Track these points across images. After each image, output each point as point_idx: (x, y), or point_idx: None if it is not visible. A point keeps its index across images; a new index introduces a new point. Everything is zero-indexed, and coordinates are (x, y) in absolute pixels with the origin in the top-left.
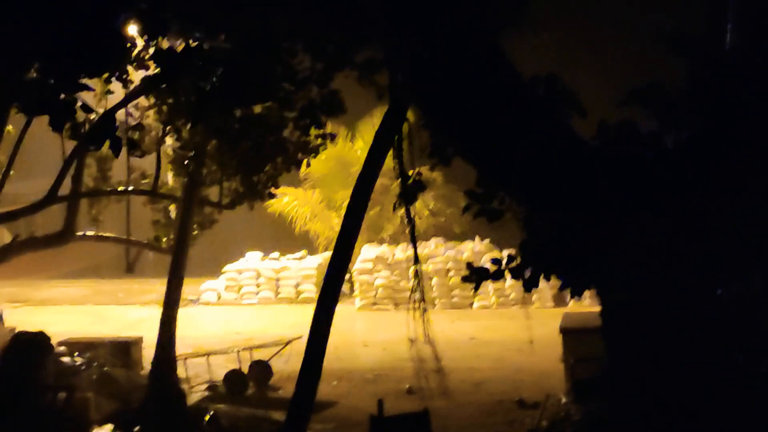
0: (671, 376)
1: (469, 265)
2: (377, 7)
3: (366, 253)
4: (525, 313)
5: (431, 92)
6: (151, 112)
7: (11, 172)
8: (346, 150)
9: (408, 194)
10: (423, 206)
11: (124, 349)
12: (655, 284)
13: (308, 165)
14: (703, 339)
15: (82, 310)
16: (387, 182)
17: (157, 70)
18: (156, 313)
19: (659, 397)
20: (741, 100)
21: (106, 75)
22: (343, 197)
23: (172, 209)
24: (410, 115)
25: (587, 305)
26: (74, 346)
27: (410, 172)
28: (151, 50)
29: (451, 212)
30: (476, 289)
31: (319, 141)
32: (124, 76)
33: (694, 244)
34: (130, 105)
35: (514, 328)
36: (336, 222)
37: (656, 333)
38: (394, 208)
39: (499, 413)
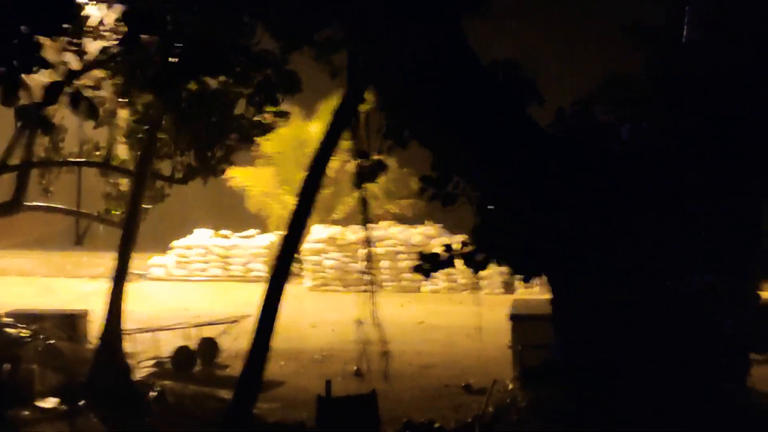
0: (620, 365)
1: (421, 254)
2: None
3: (317, 234)
4: (474, 298)
5: (390, 74)
6: (106, 84)
7: None
8: (303, 130)
9: (367, 174)
10: (377, 189)
11: (71, 322)
12: (607, 274)
13: (259, 144)
14: (654, 330)
15: (30, 282)
16: (342, 163)
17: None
18: (104, 286)
19: (607, 385)
20: (697, 91)
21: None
22: (298, 177)
23: (124, 182)
24: (368, 96)
25: (537, 292)
26: (20, 317)
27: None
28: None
29: (404, 196)
30: (426, 277)
31: (274, 119)
32: (80, 47)
33: (646, 236)
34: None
35: (463, 313)
36: (289, 202)
37: (606, 322)
38: (358, 186)
39: (445, 398)
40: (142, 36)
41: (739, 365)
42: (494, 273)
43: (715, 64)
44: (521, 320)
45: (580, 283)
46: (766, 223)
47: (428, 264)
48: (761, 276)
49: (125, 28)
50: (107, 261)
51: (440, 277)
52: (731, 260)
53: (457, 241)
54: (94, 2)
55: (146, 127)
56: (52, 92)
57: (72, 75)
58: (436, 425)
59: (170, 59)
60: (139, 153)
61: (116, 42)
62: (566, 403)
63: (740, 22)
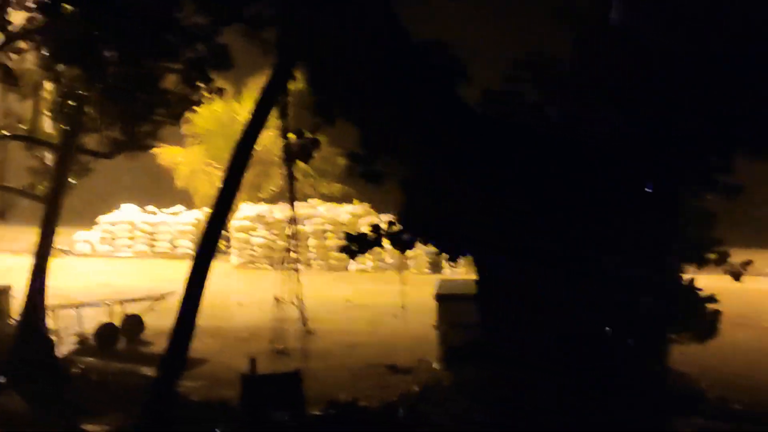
0: (542, 346)
1: (348, 235)
2: None
3: (245, 211)
4: (401, 278)
5: (319, 51)
6: (31, 56)
7: None
8: (232, 107)
9: (299, 152)
10: (305, 167)
11: None
12: (531, 256)
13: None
14: (574, 313)
15: None
16: (271, 141)
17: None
18: (27, 262)
19: (530, 365)
20: (622, 73)
21: None
22: (226, 155)
23: (49, 156)
24: (297, 74)
25: (463, 272)
26: None
27: (306, 134)
28: None
29: (333, 175)
30: (353, 258)
31: (204, 95)
32: (4, 18)
33: (569, 219)
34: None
35: (390, 292)
36: (217, 179)
37: (528, 303)
38: (287, 164)
39: (371, 377)
40: (64, 5)
41: (656, 346)
42: (421, 253)
43: (636, 46)
44: (447, 300)
45: (505, 264)
46: (687, 212)
47: (355, 245)
48: (682, 261)
49: None
50: (31, 236)
51: (367, 257)
52: (650, 245)
53: (384, 220)
54: None
55: (71, 101)
56: None
57: None
58: (361, 404)
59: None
60: (64, 126)
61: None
62: (490, 384)
63: (659, 4)
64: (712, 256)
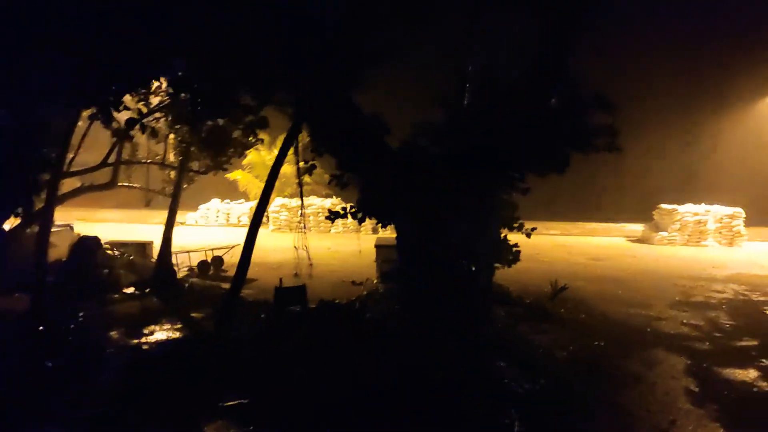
0: (430, 270)
1: (329, 211)
2: (286, 77)
3: (277, 202)
4: (357, 236)
5: (314, 120)
6: (162, 120)
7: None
8: (269, 152)
9: (305, 171)
10: (308, 180)
11: (142, 248)
12: (422, 223)
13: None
14: (446, 253)
15: (119, 227)
16: (289, 168)
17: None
18: (161, 228)
19: (423, 280)
20: (469, 134)
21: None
22: (265, 174)
23: (172, 173)
24: (304, 130)
25: (389, 232)
26: (114, 245)
27: (301, 163)
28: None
29: (322, 182)
30: (332, 222)
31: (254, 141)
32: (147, 98)
33: (439, 207)
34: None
35: (352, 244)
36: (261, 186)
37: (417, 249)
38: (299, 178)
39: (342, 287)
40: (181, 95)
41: (488, 270)
42: (369, 223)
43: (479, 116)
44: (381, 248)
45: (409, 227)
46: (503, 201)
47: (333, 216)
48: (501, 226)
49: (170, 90)
50: (164, 215)
51: (340, 225)
52: (484, 218)
53: (350, 205)
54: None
55: (184, 143)
56: (131, 123)
57: (142, 114)
58: (337, 301)
59: (197, 107)
60: (180, 157)
61: (166, 96)
62: (403, 293)
63: (492, 92)
64: (515, 224)
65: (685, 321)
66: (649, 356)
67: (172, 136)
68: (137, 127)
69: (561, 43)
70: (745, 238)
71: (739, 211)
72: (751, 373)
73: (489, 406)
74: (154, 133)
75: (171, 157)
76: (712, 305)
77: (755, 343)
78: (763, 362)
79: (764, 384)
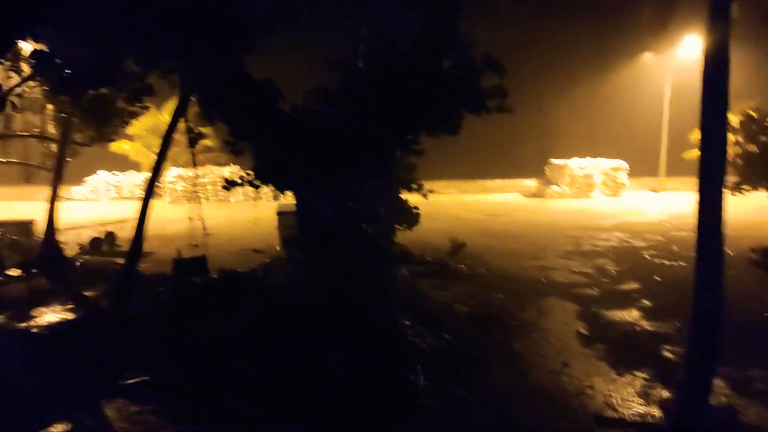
0: (329, 235)
1: (226, 180)
2: (174, 42)
3: (172, 172)
4: (255, 204)
5: (202, 88)
6: (37, 89)
7: None
8: (157, 117)
9: (194, 140)
10: (201, 147)
11: (25, 226)
12: (316, 190)
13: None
14: (344, 218)
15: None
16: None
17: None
18: (45, 205)
19: (323, 244)
20: (364, 98)
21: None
22: (157, 144)
23: (53, 146)
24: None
25: (290, 198)
26: None
27: (196, 130)
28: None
29: (219, 150)
30: (229, 191)
31: (140, 111)
32: (18, 68)
33: (337, 172)
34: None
35: (252, 212)
36: (151, 156)
37: (317, 214)
38: (191, 146)
39: (243, 256)
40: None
41: (388, 232)
42: (268, 190)
43: (370, 82)
44: (282, 214)
45: (307, 194)
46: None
47: (229, 185)
48: (400, 188)
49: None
50: (47, 191)
51: (241, 194)
52: (383, 181)
53: (246, 173)
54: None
55: (64, 114)
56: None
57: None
58: (238, 270)
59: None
60: (60, 129)
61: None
62: (304, 258)
63: (384, 55)
64: (414, 186)
65: (575, 269)
66: (543, 305)
67: (50, 106)
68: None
69: (451, 3)
70: (627, 188)
71: (622, 163)
72: (633, 314)
73: (395, 363)
74: (15, 107)
75: (51, 129)
76: (599, 253)
77: (637, 286)
78: (643, 303)
79: (645, 323)
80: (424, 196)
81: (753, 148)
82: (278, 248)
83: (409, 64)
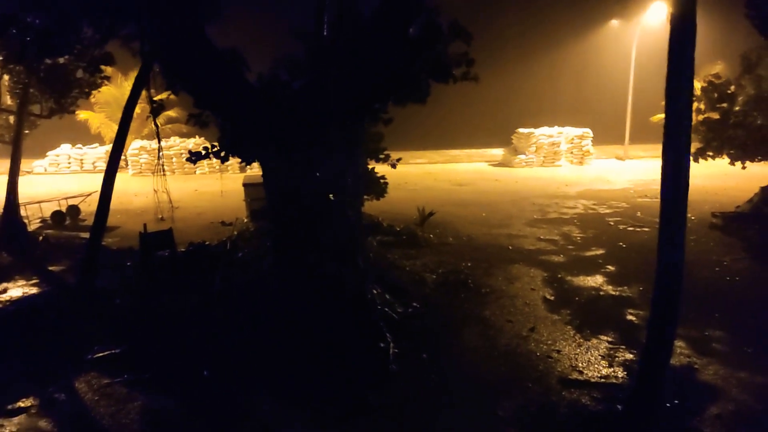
0: (296, 205)
1: (190, 152)
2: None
3: (135, 144)
4: (223, 176)
5: (165, 56)
6: None
7: None
8: (121, 86)
9: (156, 110)
10: (165, 118)
11: None
12: (283, 161)
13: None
14: (310, 188)
15: None
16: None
17: None
18: (4, 179)
19: (289, 213)
20: (330, 66)
21: None
22: (118, 114)
23: (11, 118)
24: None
25: (258, 170)
26: None
27: (156, 98)
28: None
29: (183, 120)
30: (194, 163)
31: (100, 81)
32: None
33: (304, 142)
34: None
35: (218, 184)
36: (114, 128)
37: (284, 185)
38: (153, 116)
39: (211, 229)
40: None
41: (356, 202)
42: (234, 161)
43: (336, 51)
44: (249, 186)
45: (274, 164)
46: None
47: (194, 157)
48: (367, 158)
49: None
50: (5, 165)
51: (206, 165)
52: (349, 149)
53: (211, 145)
54: None
55: (21, 85)
56: None
57: None
58: (207, 243)
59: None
60: (17, 100)
61: None
62: (273, 230)
63: (350, 24)
64: (381, 156)
65: (541, 237)
66: (511, 272)
67: (6, 77)
68: None
69: None
70: (593, 156)
71: (588, 132)
72: (598, 279)
73: (366, 332)
74: None
75: (8, 100)
76: (565, 220)
77: (602, 252)
78: (607, 268)
79: (608, 287)
80: (393, 165)
81: (714, 115)
82: (246, 220)
83: (374, 32)
